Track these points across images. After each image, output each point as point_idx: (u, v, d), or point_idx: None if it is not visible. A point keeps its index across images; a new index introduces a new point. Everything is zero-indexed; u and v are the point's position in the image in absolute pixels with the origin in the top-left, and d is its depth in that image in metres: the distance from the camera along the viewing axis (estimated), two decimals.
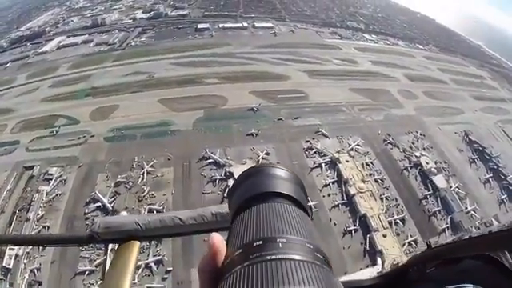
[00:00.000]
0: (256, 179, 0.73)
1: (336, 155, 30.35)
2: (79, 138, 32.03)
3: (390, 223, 26.68)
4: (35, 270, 21.82)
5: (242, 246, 0.56)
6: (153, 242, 22.69)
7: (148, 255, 22.18)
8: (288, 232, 0.56)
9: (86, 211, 25.29)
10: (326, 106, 36.69)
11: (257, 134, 31.64)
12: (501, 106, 47.35)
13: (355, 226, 25.97)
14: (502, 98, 50.45)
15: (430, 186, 30.52)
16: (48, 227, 24.25)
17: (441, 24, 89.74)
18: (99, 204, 25.72)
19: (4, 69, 48.48)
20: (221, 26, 53.07)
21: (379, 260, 24.16)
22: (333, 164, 30.01)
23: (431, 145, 35.19)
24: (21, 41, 57.63)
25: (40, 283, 21.53)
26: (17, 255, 22.27)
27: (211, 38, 48.63)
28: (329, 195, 27.77)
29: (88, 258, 21.93)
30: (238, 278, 0.49)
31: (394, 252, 24.63)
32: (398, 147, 33.44)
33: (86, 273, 21.44)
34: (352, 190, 28.00)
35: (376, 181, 29.76)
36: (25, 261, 22.21)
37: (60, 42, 55.35)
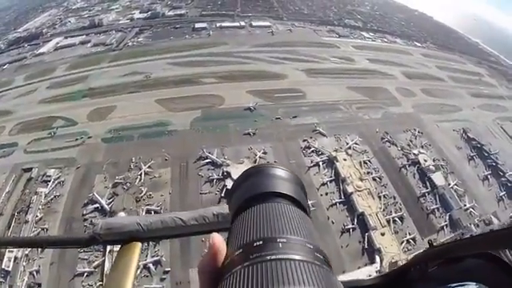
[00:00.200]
0: (256, 179, 0.73)
1: (333, 154, 30.37)
2: (77, 140, 32.04)
3: (388, 221, 26.71)
4: (34, 273, 21.84)
5: (242, 246, 0.55)
6: (151, 243, 22.79)
7: (146, 256, 22.16)
8: (288, 232, 0.56)
9: (84, 212, 25.31)
10: (324, 104, 36.66)
11: (254, 134, 31.64)
12: (499, 104, 47.35)
13: (353, 224, 26.00)
14: (500, 95, 50.44)
15: (428, 184, 30.55)
16: (47, 229, 24.27)
17: (439, 22, 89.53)
18: (97, 205, 25.72)
19: (1, 70, 48.44)
20: (218, 25, 52.96)
21: (378, 258, 24.26)
22: (330, 163, 30.01)
23: (429, 142, 35.21)
24: (18, 42, 57.57)
25: (39, 285, 21.51)
26: (16, 257, 22.26)
27: (208, 37, 48.55)
28: (326, 194, 27.81)
29: (87, 259, 21.97)
30: (238, 278, 0.49)
31: (393, 250, 24.68)
32: (395, 145, 33.46)
33: (85, 274, 21.46)
34: (350, 189, 28.04)
35: (374, 179, 29.79)
36: (24, 263, 22.22)
37: (57, 43, 55.28)
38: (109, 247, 19.26)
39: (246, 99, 35.55)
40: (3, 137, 33.36)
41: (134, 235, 1.88)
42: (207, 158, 29.06)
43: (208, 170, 28.57)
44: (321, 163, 29.77)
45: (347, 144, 31.93)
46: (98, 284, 21.11)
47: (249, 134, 31.61)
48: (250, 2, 68.55)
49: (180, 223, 1.93)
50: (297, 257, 0.51)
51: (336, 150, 30.92)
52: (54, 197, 26.65)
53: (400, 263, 23.56)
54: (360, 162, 30.56)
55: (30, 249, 22.51)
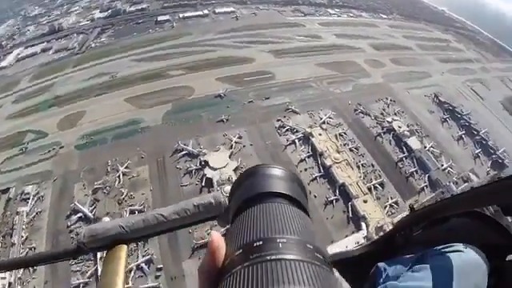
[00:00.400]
0: (255, 180, 0.71)
1: (308, 130, 30.60)
2: (49, 151, 30.84)
3: (370, 189, 27.44)
4: None
5: (242, 246, 0.55)
6: (140, 244, 22.53)
7: (137, 257, 22.05)
8: (288, 232, 0.56)
9: (69, 224, 24.67)
10: (294, 83, 36.61)
11: (227, 120, 31.36)
12: (467, 67, 48.86)
13: (335, 195, 26.52)
14: (468, 58, 51.98)
15: (404, 149, 31.44)
16: (34, 248, 23.53)
17: None
18: (80, 214, 25.12)
19: None
20: (181, 16, 51.15)
21: (363, 225, 24.94)
22: (306, 139, 30.26)
23: (402, 109, 36.04)
24: None
25: None
26: (10, 283, 21.66)
27: (172, 29, 47.18)
28: (305, 170, 28.13)
29: (79, 270, 21.60)
30: (238, 279, 0.49)
31: (377, 215, 25.41)
32: (369, 115, 34.05)
33: (81, 286, 21.22)
34: (328, 162, 28.44)
35: (351, 150, 30.34)
36: (18, 287, 21.68)
37: (18, 54, 52.42)
38: (99, 254, 19.06)
39: (216, 87, 34.99)
40: None
41: (118, 238, 1.85)
42: (183, 150, 28.74)
43: (185, 161, 28.28)
44: (297, 141, 29.96)
45: (321, 119, 32.22)
46: None
47: (222, 120, 31.30)
48: None
49: (162, 219, 1.90)
50: (297, 257, 0.51)
51: (311, 126, 31.15)
52: (36, 213, 25.72)
53: (386, 227, 24.35)
54: (336, 135, 30.98)
55: (21, 271, 21.97)
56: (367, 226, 24.85)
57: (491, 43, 65.10)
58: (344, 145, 30.52)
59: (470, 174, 30.95)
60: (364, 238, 23.55)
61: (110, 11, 57.57)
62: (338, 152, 29.49)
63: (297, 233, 0.56)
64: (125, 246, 1.84)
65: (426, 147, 32.01)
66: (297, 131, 30.66)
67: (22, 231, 24.80)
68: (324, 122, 31.95)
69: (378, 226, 24.92)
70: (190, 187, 26.59)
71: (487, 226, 1.62)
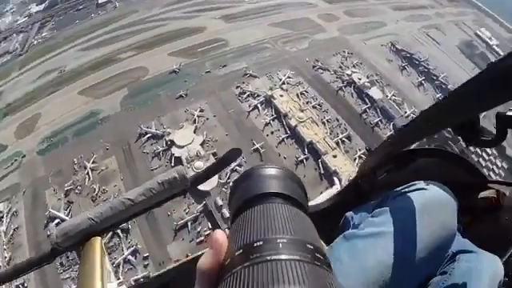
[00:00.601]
0: (254, 180, 0.70)
1: (269, 93, 30.35)
2: (12, 164, 29.32)
3: (337, 143, 27.96)
4: None
5: (243, 246, 0.54)
6: (121, 235, 22.33)
7: (122, 250, 21.72)
8: (288, 232, 0.55)
9: (48, 233, 23.99)
10: (249, 47, 35.59)
11: (186, 95, 30.42)
12: (422, 13, 48.73)
13: (305, 154, 26.89)
14: (422, 5, 51.53)
15: (367, 100, 31.96)
16: None
17: None
18: (57, 220, 24.24)
19: None
20: None
21: (336, 180, 25.61)
22: (268, 102, 30.08)
23: (360, 61, 36.12)
24: None
25: None
26: None
27: (115, 10, 44.15)
28: (272, 133, 28.23)
29: (69, 277, 21.07)
30: (238, 278, 0.48)
31: (348, 169, 25.97)
32: (328, 70, 33.97)
33: None
34: (293, 122, 28.58)
35: (314, 107, 30.47)
36: None
37: None
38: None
39: (170, 62, 33.43)
40: None
41: (90, 231, 1.80)
42: (147, 134, 28.05)
43: (151, 144, 27.69)
44: (259, 105, 29.72)
45: (280, 80, 31.87)
46: None
47: (181, 96, 30.38)
48: None
49: (129, 203, 1.86)
50: (297, 257, 0.49)
51: (271, 89, 30.85)
52: (14, 230, 24.47)
53: None
54: (297, 94, 30.92)
55: (3, 287, 21.55)
56: (340, 180, 25.55)
57: None
58: (307, 103, 30.56)
59: None
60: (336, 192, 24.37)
61: (46, 3, 52.96)
62: (302, 111, 29.58)
63: (297, 233, 0.55)
64: (99, 238, 1.82)
65: (387, 96, 32.65)
66: (258, 95, 30.28)
67: (3, 252, 23.76)
68: (284, 83, 31.63)
69: (351, 178, 25.72)
70: (161, 169, 26.17)
71: (455, 164, 1.56)
